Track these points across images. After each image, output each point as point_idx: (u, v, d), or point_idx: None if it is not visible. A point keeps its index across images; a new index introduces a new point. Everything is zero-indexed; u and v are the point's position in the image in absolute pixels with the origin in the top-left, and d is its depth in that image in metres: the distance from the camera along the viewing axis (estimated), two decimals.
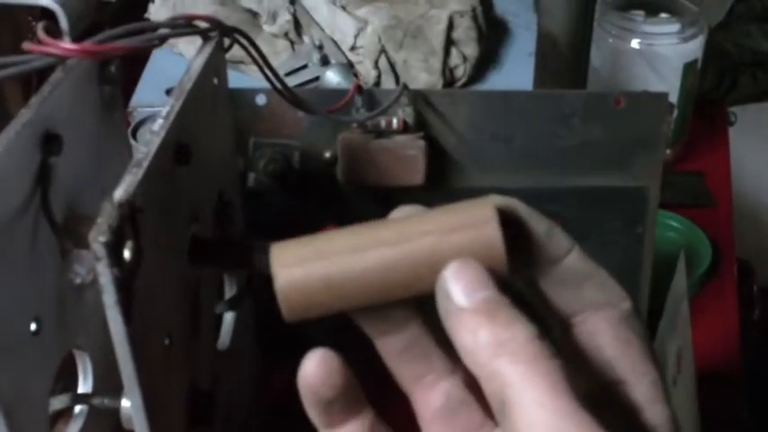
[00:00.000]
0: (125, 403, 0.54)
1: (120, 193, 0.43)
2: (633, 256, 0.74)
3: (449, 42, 0.90)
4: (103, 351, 0.57)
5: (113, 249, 0.41)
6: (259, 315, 0.67)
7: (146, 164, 0.45)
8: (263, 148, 0.65)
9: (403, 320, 0.34)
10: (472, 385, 0.34)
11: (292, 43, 0.94)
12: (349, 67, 0.90)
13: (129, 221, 0.42)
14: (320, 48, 0.91)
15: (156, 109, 0.90)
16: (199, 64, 0.52)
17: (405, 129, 0.66)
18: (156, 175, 0.46)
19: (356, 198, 0.68)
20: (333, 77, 0.88)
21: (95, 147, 0.55)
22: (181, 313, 0.52)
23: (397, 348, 0.35)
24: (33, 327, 0.50)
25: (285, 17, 0.93)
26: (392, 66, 0.90)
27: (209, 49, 0.54)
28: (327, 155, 0.67)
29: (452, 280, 0.31)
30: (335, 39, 0.93)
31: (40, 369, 0.52)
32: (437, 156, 0.68)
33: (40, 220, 0.49)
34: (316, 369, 0.33)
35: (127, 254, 0.42)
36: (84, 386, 0.58)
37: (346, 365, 0.33)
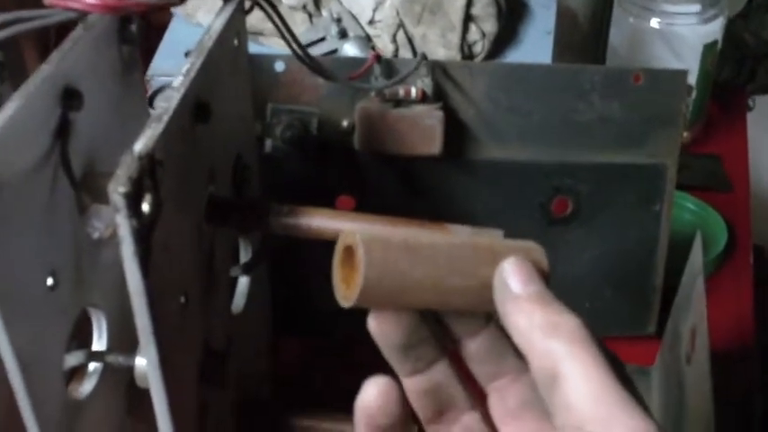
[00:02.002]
0: (140, 361, 0.54)
1: (140, 146, 0.43)
2: (649, 233, 0.73)
3: (467, 18, 0.90)
4: (119, 310, 0.57)
5: (133, 200, 0.41)
6: (274, 285, 0.67)
7: (166, 118, 0.45)
8: (280, 114, 0.65)
9: (482, 323, 0.38)
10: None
11: (310, 16, 0.93)
12: (367, 41, 0.90)
13: (149, 174, 0.42)
14: (338, 21, 0.91)
15: (171, 78, 0.90)
16: (219, 24, 0.52)
17: (423, 99, 0.66)
18: (176, 131, 0.46)
19: (372, 166, 0.68)
20: (350, 50, 0.88)
21: (114, 106, 0.55)
22: (197, 273, 0.52)
23: (477, 349, 0.39)
24: (50, 281, 0.50)
25: None
26: (410, 40, 0.89)
27: (229, 9, 0.53)
28: (345, 123, 0.67)
29: (510, 271, 0.35)
30: (353, 12, 0.92)
31: (56, 325, 0.52)
32: (454, 127, 0.68)
33: (59, 174, 0.49)
34: (376, 397, 0.36)
35: (146, 206, 0.42)
36: (98, 344, 0.58)
37: (404, 396, 0.37)
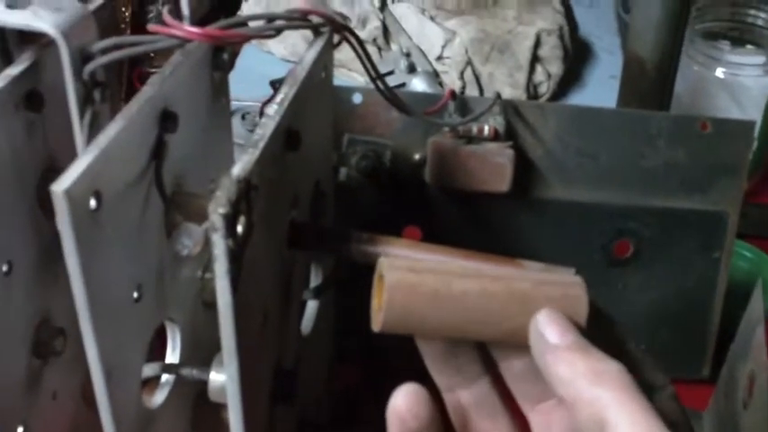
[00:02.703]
0: (214, 375, 0.56)
1: (238, 170, 0.45)
2: (708, 279, 0.74)
3: (534, 59, 0.92)
4: (190, 326, 0.60)
5: (230, 222, 0.43)
6: (338, 310, 0.69)
7: (261, 145, 0.47)
8: (356, 144, 0.67)
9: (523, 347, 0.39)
10: None
11: (380, 49, 0.96)
12: (434, 76, 0.92)
13: (245, 197, 0.44)
14: (407, 55, 0.93)
15: (243, 103, 0.93)
16: (311, 56, 0.54)
17: (495, 137, 0.67)
18: (269, 158, 0.48)
19: (441, 200, 0.70)
20: (419, 85, 0.90)
21: (203, 129, 0.58)
22: (276, 294, 0.54)
23: (521, 369, 0.39)
24: (135, 294, 0.52)
25: (374, 23, 0.95)
26: (477, 78, 0.92)
27: (320, 43, 0.56)
28: (417, 157, 0.69)
29: (545, 322, 0.36)
30: (423, 48, 0.95)
31: (138, 336, 0.54)
32: (523, 166, 0.70)
33: (152, 193, 0.51)
34: (405, 399, 0.37)
35: (240, 228, 0.44)
36: (172, 357, 0.60)
37: (433, 401, 0.37)
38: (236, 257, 0.44)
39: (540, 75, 0.92)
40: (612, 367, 0.34)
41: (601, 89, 0.95)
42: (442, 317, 0.37)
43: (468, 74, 0.92)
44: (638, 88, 0.82)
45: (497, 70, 0.91)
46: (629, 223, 0.72)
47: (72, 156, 0.58)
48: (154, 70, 1.00)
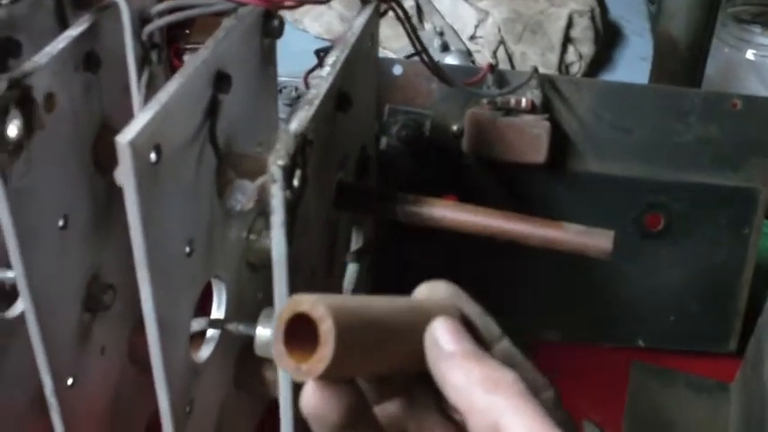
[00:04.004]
0: (261, 330, 0.58)
1: (295, 126, 0.46)
2: (737, 254, 0.76)
3: (566, 40, 0.93)
4: (236, 285, 0.61)
5: (288, 174, 0.45)
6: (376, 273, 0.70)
7: (317, 102, 0.49)
8: (397, 114, 0.69)
9: (401, 387, 0.38)
10: None
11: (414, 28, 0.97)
12: (467, 55, 0.94)
13: (301, 152, 0.46)
14: (441, 34, 0.95)
15: (279, 78, 0.94)
16: (360, 23, 0.56)
17: (532, 109, 0.69)
18: (322, 116, 0.50)
19: (477, 170, 0.72)
20: (452, 63, 0.92)
21: (252, 95, 0.59)
22: (323, 253, 0.56)
23: (397, 410, 0.39)
24: (187, 249, 0.54)
25: (408, 2, 0.97)
26: (509, 57, 0.93)
27: (368, 11, 0.57)
28: (455, 128, 0.71)
29: (442, 329, 0.36)
30: (456, 27, 0.96)
31: (189, 290, 0.56)
32: (558, 139, 0.71)
33: (205, 151, 0.53)
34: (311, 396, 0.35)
35: (296, 181, 0.46)
36: (217, 313, 0.62)
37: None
38: (292, 208, 0.46)
39: (571, 55, 0.93)
40: (507, 375, 0.34)
41: (631, 71, 0.96)
42: (374, 341, 0.34)
43: (501, 53, 0.93)
44: (669, 68, 0.84)
45: (530, 50, 0.92)
46: (660, 197, 0.74)
47: (125, 116, 0.59)
48: (190, 47, 1.01)
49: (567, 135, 0.72)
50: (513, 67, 0.93)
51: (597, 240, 0.54)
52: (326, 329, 0.32)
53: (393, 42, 0.95)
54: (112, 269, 0.62)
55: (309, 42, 1.02)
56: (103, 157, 0.57)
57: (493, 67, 0.69)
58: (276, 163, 0.44)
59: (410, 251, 0.74)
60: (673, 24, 0.82)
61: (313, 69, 0.66)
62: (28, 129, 0.50)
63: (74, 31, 0.54)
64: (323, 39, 1.03)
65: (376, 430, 0.36)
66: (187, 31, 1.06)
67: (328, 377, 0.33)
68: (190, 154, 0.52)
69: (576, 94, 0.71)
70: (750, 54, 0.94)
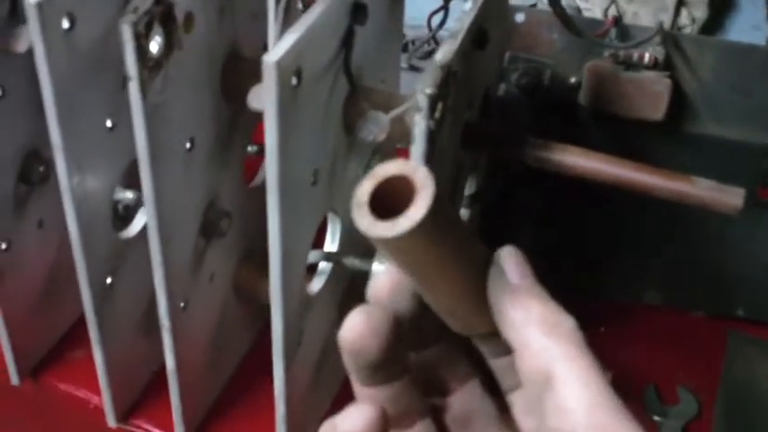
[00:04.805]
0: (377, 267, 0.58)
1: (441, 57, 0.46)
2: None
3: (680, 2, 0.91)
4: (350, 221, 0.61)
5: (433, 103, 0.45)
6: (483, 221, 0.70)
7: (460, 36, 0.48)
8: (517, 61, 0.68)
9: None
10: None
11: None
12: (577, 12, 0.92)
13: (445, 84, 0.46)
14: None
15: None
16: None
17: (654, 65, 0.68)
18: (462, 50, 0.49)
19: (593, 124, 0.71)
20: None
21: (380, 29, 0.59)
22: (449, 191, 0.56)
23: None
24: (312, 179, 0.54)
25: None
26: (620, 16, 0.91)
27: None
28: (573, 80, 0.70)
29: (510, 259, 0.33)
30: None
31: (310, 220, 0.56)
32: (677, 98, 0.70)
33: (338, 81, 0.53)
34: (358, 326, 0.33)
35: (437, 113, 0.46)
36: (331, 247, 0.62)
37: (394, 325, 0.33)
38: (431, 140, 0.46)
39: (684, 18, 0.91)
40: (568, 320, 0.32)
41: (743, 38, 0.94)
42: (454, 244, 0.32)
43: (612, 12, 0.91)
44: None
45: (642, 10, 0.90)
46: None
47: (253, 43, 0.60)
48: None
49: (685, 94, 0.70)
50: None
51: (728, 196, 0.53)
52: (424, 176, 0.29)
53: None
54: (228, 197, 0.62)
55: None
56: (230, 83, 0.58)
57: (617, 21, 0.68)
58: (424, 91, 0.44)
59: (515, 201, 0.74)
60: None
61: (438, 11, 0.65)
62: (168, 47, 0.51)
63: None
64: None
65: (408, 375, 0.35)
66: None
67: (408, 248, 0.30)
68: (325, 82, 0.52)
69: (699, 52, 0.70)
70: None
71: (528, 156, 0.53)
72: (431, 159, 0.46)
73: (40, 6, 0.48)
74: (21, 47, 0.57)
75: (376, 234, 0.29)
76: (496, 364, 0.36)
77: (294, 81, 0.47)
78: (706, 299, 0.79)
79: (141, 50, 0.48)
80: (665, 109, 0.68)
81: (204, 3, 0.53)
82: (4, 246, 0.64)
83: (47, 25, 0.49)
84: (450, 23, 0.67)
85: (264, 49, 0.62)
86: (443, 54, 0.46)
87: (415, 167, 0.30)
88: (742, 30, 0.96)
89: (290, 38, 0.47)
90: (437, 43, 0.70)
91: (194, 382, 0.65)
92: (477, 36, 0.51)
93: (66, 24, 0.51)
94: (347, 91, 0.54)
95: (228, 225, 0.62)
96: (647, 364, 0.75)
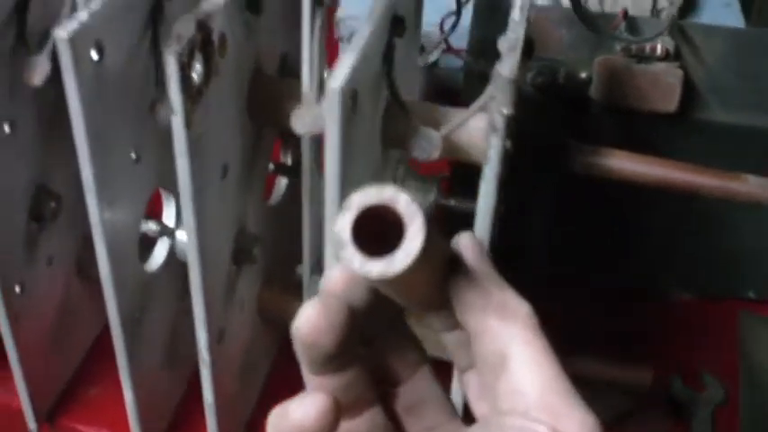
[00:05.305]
0: None
1: (508, 71, 0.45)
2: None
3: None
4: None
5: (509, 124, 0.43)
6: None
7: (518, 47, 0.47)
8: (531, 60, 0.67)
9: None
10: None
11: None
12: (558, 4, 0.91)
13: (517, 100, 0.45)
14: None
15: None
16: None
17: (666, 57, 0.67)
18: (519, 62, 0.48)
19: (605, 118, 0.70)
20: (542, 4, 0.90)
21: (407, 38, 0.57)
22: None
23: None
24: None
25: None
26: (600, 1, 0.91)
27: None
28: (583, 75, 0.69)
29: (467, 246, 0.34)
30: None
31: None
32: (687, 87, 0.69)
33: (381, 97, 0.51)
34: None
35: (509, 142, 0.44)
36: None
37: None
38: (504, 162, 0.45)
39: (662, 1, 0.91)
40: (524, 306, 0.33)
41: (717, 16, 0.94)
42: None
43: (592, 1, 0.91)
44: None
45: None
46: None
47: (272, 60, 0.57)
48: None
49: (693, 83, 0.70)
50: (603, 9, 0.91)
51: None
52: (407, 204, 0.29)
53: None
54: (254, 220, 0.60)
55: None
56: (256, 104, 0.55)
57: (626, 14, 0.67)
58: (501, 111, 0.42)
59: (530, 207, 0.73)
60: None
61: (450, 16, 0.64)
62: (207, 74, 0.48)
63: None
64: None
65: (359, 364, 0.35)
66: None
67: (402, 278, 0.29)
68: (372, 101, 0.50)
69: (706, 41, 0.70)
70: None
71: (577, 163, 0.52)
72: (506, 180, 0.44)
73: (72, 41, 0.45)
74: (36, 79, 0.53)
75: (374, 275, 0.29)
76: (449, 339, 0.36)
77: (350, 103, 0.45)
78: (718, 284, 0.80)
79: (186, 81, 0.46)
80: (677, 100, 0.68)
81: (232, 22, 0.50)
82: (18, 289, 0.60)
83: (78, 59, 0.46)
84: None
85: (283, 63, 0.60)
86: (509, 68, 0.44)
87: (394, 195, 0.29)
88: (714, 8, 0.96)
89: (348, 61, 0.45)
90: (449, 47, 0.68)
91: (229, 412, 0.63)
92: (528, 46, 0.49)
93: (95, 56, 0.48)
94: (385, 105, 0.52)
95: (259, 251, 0.59)
96: (668, 357, 0.75)
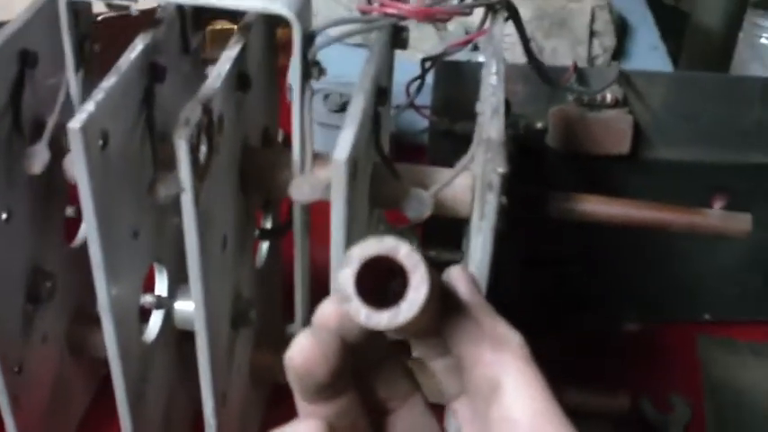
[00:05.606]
0: None
1: (496, 135, 0.48)
2: None
3: (591, 34, 0.97)
4: None
5: (506, 180, 0.47)
6: None
7: (501, 110, 0.51)
8: None
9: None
10: None
11: (438, 29, 0.99)
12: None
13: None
14: (467, 33, 0.97)
15: (324, 85, 0.94)
16: (499, 30, 0.58)
17: (615, 104, 0.72)
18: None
19: (561, 163, 0.75)
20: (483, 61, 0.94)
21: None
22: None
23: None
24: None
25: None
26: (539, 52, 0.96)
27: (500, 19, 0.60)
28: (539, 125, 0.73)
29: (459, 278, 0.35)
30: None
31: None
32: (636, 130, 0.75)
33: (369, 165, 0.55)
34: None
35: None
36: None
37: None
38: (502, 215, 0.48)
39: (597, 48, 0.97)
40: (516, 336, 0.34)
41: (647, 60, 1.00)
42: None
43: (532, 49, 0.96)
44: (700, 55, 0.88)
45: (560, 44, 0.95)
46: (725, 179, 0.78)
47: (256, 133, 0.60)
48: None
49: (641, 126, 0.75)
50: (542, 60, 0.96)
51: (737, 223, 0.58)
52: (408, 254, 0.30)
53: (422, 44, 0.97)
54: (248, 285, 0.62)
55: None
56: (248, 177, 0.58)
57: (576, 66, 0.72)
58: (497, 171, 0.46)
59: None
60: (704, 13, 0.86)
61: (415, 80, 0.67)
62: (209, 153, 0.51)
63: (231, 52, 0.54)
64: None
65: (352, 392, 0.35)
66: None
67: (407, 325, 0.31)
68: (364, 166, 0.53)
69: (649, 86, 0.75)
70: (765, 40, 0.99)
71: (552, 209, 0.56)
72: (499, 231, 0.48)
73: (84, 130, 0.48)
74: (36, 168, 0.56)
75: (381, 327, 0.30)
76: (437, 367, 0.37)
77: (352, 171, 0.49)
78: (675, 310, 0.85)
79: (195, 162, 0.48)
80: (629, 143, 0.73)
81: (226, 102, 0.53)
82: (16, 369, 0.62)
83: (89, 147, 0.49)
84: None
85: (265, 135, 0.63)
86: (497, 132, 0.48)
87: (395, 246, 0.30)
88: (642, 52, 1.02)
89: (349, 132, 0.48)
90: (416, 110, 0.72)
91: None
92: (507, 107, 0.53)
93: (100, 142, 0.50)
94: (372, 168, 0.55)
95: (254, 314, 0.62)
96: (635, 383, 0.79)
